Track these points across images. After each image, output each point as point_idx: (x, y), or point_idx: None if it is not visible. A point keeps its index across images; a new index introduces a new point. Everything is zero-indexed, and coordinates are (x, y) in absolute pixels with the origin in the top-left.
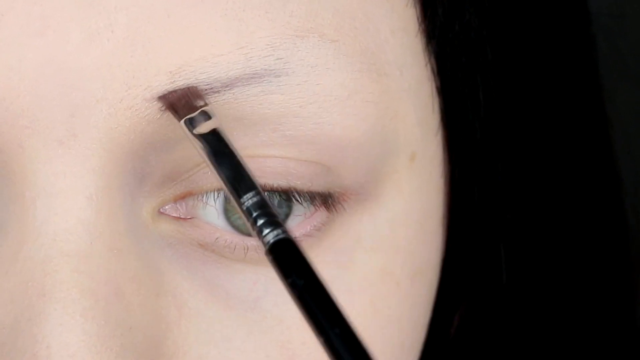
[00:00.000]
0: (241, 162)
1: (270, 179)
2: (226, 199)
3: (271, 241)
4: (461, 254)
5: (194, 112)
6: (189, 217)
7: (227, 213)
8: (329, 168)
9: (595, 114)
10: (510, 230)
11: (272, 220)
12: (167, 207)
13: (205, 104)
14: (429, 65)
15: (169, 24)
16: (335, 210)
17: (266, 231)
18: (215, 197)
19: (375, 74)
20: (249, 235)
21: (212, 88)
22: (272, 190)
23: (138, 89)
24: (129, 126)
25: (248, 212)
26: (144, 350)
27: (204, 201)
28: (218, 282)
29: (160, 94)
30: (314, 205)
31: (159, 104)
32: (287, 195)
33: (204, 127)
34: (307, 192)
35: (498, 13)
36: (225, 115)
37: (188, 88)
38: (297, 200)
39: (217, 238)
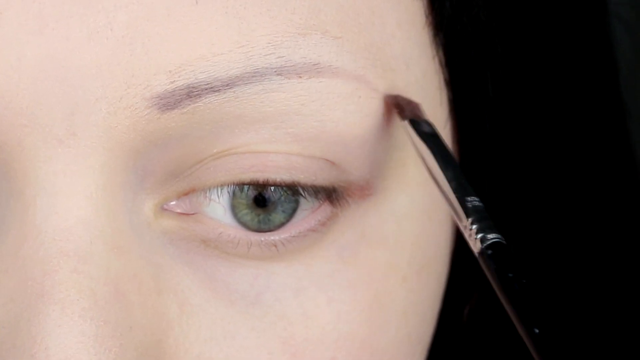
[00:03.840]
0: (460, 169)
1: (273, 174)
2: (231, 195)
3: (490, 241)
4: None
5: (418, 118)
6: (192, 212)
7: (234, 209)
8: (334, 163)
9: (611, 107)
10: (520, 222)
11: (493, 226)
12: (170, 203)
13: (428, 119)
14: (436, 58)
15: (169, 23)
16: (340, 205)
17: (485, 232)
18: (220, 193)
19: (381, 69)
20: (255, 230)
21: (212, 87)
22: (276, 185)
23: (137, 87)
24: (129, 125)
25: (472, 212)
26: (145, 349)
27: (208, 197)
28: (220, 278)
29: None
30: (318, 200)
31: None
32: (293, 190)
33: (429, 130)
34: (311, 187)
35: (507, 4)
36: (225, 113)
37: (414, 102)
38: (302, 195)
39: (220, 233)
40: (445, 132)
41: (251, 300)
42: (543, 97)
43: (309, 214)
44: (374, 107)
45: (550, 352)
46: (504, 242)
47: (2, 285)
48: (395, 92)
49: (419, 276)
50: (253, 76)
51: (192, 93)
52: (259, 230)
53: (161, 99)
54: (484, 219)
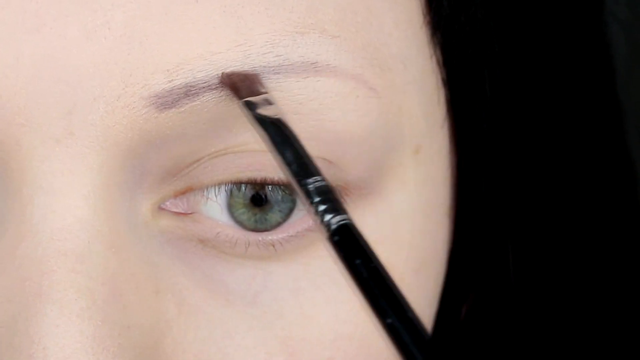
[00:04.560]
0: (304, 149)
1: (271, 172)
2: (228, 194)
3: (335, 225)
4: (469, 245)
5: (256, 96)
6: (189, 212)
7: (230, 208)
8: (331, 162)
9: (608, 106)
10: (518, 222)
11: (337, 207)
12: (167, 202)
13: (266, 91)
14: (434, 57)
15: (167, 21)
16: None
17: (329, 216)
18: (217, 192)
19: (378, 69)
20: (252, 230)
21: (210, 86)
22: (274, 184)
23: (135, 87)
24: (127, 124)
25: (310, 196)
26: (143, 349)
27: (206, 196)
28: (217, 278)
29: (159, 93)
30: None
31: (218, 83)
32: (290, 190)
33: (265, 112)
34: None
35: (504, 3)
36: (223, 112)
37: (251, 73)
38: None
39: (218, 233)
40: (443, 131)
41: (249, 300)
42: (540, 96)
43: (306, 213)
44: (371, 106)
45: (403, 342)
46: (350, 223)
47: None
48: (392, 91)
49: (416, 276)
50: None
51: (190, 92)
52: (255, 229)
53: (159, 98)
54: (328, 201)
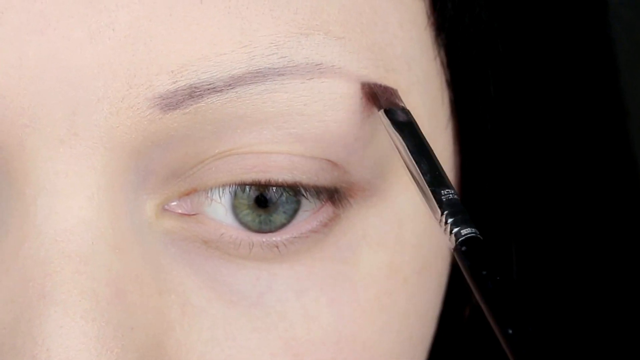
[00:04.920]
0: (438, 161)
1: (275, 174)
2: (233, 195)
3: (464, 236)
4: None
5: (395, 107)
6: (193, 213)
7: (235, 210)
8: (335, 164)
9: (612, 107)
10: (521, 223)
11: (467, 220)
12: (172, 203)
13: (404, 106)
14: (438, 59)
15: (171, 22)
16: (342, 205)
17: (459, 227)
18: (221, 193)
19: (383, 70)
20: (257, 231)
21: (214, 87)
22: (278, 185)
23: (140, 88)
24: (131, 125)
25: (446, 206)
26: (146, 350)
27: (210, 197)
28: (221, 279)
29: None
30: (320, 200)
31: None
32: (294, 191)
33: (405, 121)
34: (313, 187)
35: (509, 5)
36: (228, 113)
37: (390, 87)
38: (304, 196)
39: (222, 234)
40: (447, 132)
41: (253, 301)
42: (544, 97)
43: (310, 214)
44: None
45: (523, 354)
46: (479, 236)
47: (2, 286)
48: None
49: (419, 277)
50: (255, 76)
51: (194, 93)
52: (259, 230)
53: (163, 99)
54: (459, 213)
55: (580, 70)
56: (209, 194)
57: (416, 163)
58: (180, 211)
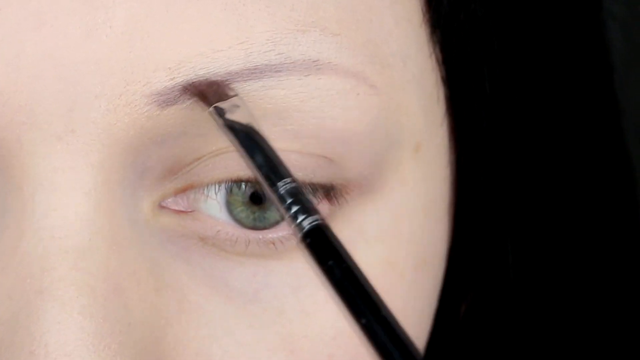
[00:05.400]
0: (274, 151)
1: None
2: (228, 192)
3: (307, 228)
4: (468, 243)
5: (224, 100)
6: (190, 210)
7: (229, 206)
8: (332, 160)
9: (606, 104)
10: (516, 220)
11: (308, 207)
12: (168, 200)
13: (235, 94)
14: (433, 56)
15: (168, 19)
16: (338, 202)
17: (301, 218)
18: (217, 190)
19: (379, 66)
20: (251, 228)
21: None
22: None
23: (137, 84)
24: (128, 122)
25: (282, 199)
26: (144, 346)
27: (206, 194)
28: (218, 275)
29: (161, 91)
30: (316, 197)
31: (187, 92)
32: None
33: (235, 117)
34: (309, 184)
35: (504, 2)
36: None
37: (217, 80)
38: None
39: (218, 231)
40: (442, 129)
41: (250, 298)
42: (539, 94)
43: None
44: (372, 104)
45: (379, 341)
46: (321, 224)
47: (0, 282)
48: (392, 89)
49: (416, 273)
50: (252, 73)
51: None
52: (254, 227)
53: (160, 96)
54: (298, 202)
55: (574, 68)
56: (205, 191)
57: (250, 158)
58: (176, 208)
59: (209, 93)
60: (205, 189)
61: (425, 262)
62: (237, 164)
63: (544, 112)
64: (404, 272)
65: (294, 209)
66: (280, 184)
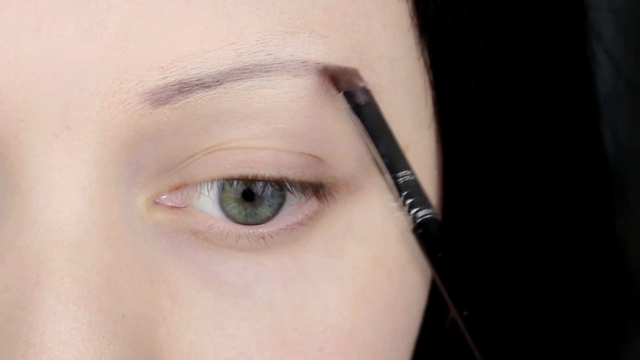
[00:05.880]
0: (397, 142)
1: (262, 170)
2: (220, 189)
3: (420, 219)
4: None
5: (355, 89)
6: (183, 206)
7: (222, 202)
8: (321, 159)
9: (586, 108)
10: (503, 223)
11: (423, 200)
12: (162, 197)
13: (366, 85)
14: (421, 59)
15: (161, 21)
16: (327, 200)
17: (415, 209)
18: (210, 187)
19: (367, 68)
20: (243, 223)
21: (202, 83)
22: (264, 180)
23: (130, 83)
24: (122, 119)
25: (402, 188)
26: (137, 337)
27: (199, 191)
28: (210, 269)
29: (154, 90)
30: (305, 195)
31: (320, 74)
32: (280, 186)
33: (364, 102)
34: (298, 182)
35: (490, 7)
36: (216, 108)
37: (350, 68)
38: (289, 190)
39: (210, 225)
40: (430, 131)
41: (241, 291)
42: (525, 96)
43: (295, 208)
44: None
45: (479, 335)
46: (434, 217)
47: None
48: (380, 91)
49: (404, 270)
50: (242, 73)
51: (183, 89)
52: (246, 223)
53: (153, 94)
54: (415, 195)
55: (558, 70)
56: (198, 188)
57: (375, 145)
58: (170, 204)
59: (341, 79)
60: (199, 186)
61: (413, 260)
62: (229, 163)
63: (530, 114)
64: (392, 269)
65: (410, 200)
66: (400, 174)
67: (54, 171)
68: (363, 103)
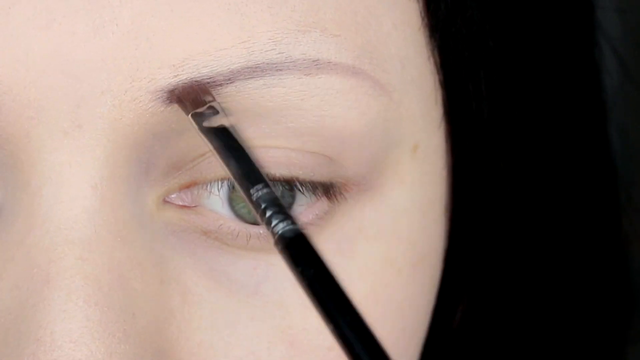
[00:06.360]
0: (249, 155)
1: (273, 169)
2: (230, 188)
3: (279, 232)
4: (464, 247)
5: (202, 106)
6: (193, 205)
7: (231, 202)
8: (331, 159)
9: (594, 108)
10: (513, 224)
11: (281, 212)
12: (172, 196)
13: (213, 99)
14: (431, 59)
15: (173, 18)
16: (337, 200)
17: (275, 222)
18: (220, 186)
19: (378, 67)
20: (253, 223)
21: (214, 81)
22: (275, 180)
23: (142, 81)
24: (133, 117)
25: (257, 204)
26: (148, 335)
27: (209, 190)
28: (220, 268)
29: (166, 88)
30: (315, 195)
31: (165, 97)
32: (290, 185)
33: (212, 122)
34: (309, 182)
35: (500, 7)
36: (227, 107)
37: (196, 83)
38: (300, 190)
39: (220, 225)
40: (439, 131)
41: (251, 290)
42: (535, 96)
43: (305, 208)
44: (371, 103)
45: (354, 343)
46: (293, 229)
47: (8, 272)
48: (391, 90)
49: (414, 271)
50: (254, 71)
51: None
52: (255, 223)
53: (165, 92)
54: (270, 208)
55: (568, 71)
56: (208, 187)
57: (225, 164)
58: (180, 203)
59: (187, 99)
60: (209, 185)
61: (423, 260)
62: None
63: (539, 114)
64: (402, 268)
65: (268, 213)
66: (254, 189)
67: (65, 169)
68: (212, 124)
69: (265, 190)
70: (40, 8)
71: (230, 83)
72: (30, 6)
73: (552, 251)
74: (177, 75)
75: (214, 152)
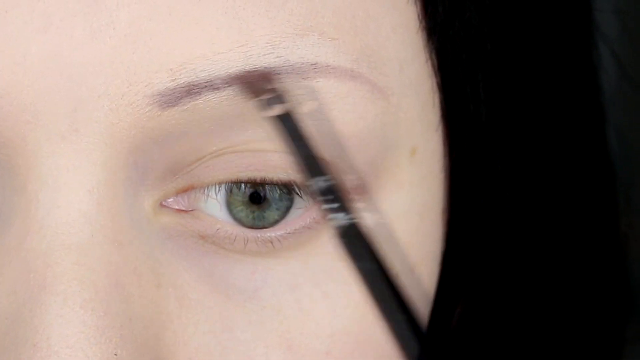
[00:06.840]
0: (314, 147)
1: (270, 173)
2: (228, 192)
3: (341, 224)
4: (461, 250)
5: (269, 94)
6: (190, 209)
7: (229, 205)
8: (328, 162)
9: (592, 110)
10: (510, 227)
11: (344, 205)
12: (169, 200)
13: (279, 89)
14: (429, 62)
15: (171, 22)
16: None
17: (336, 215)
18: (217, 190)
19: (376, 71)
20: (250, 227)
21: (212, 85)
22: (273, 184)
23: (139, 85)
24: (130, 122)
25: (319, 194)
26: (144, 340)
27: (206, 194)
28: (217, 273)
29: (163, 92)
30: (313, 199)
31: (233, 83)
32: (288, 189)
33: (278, 110)
34: (307, 185)
35: (498, 10)
36: (225, 111)
37: (265, 72)
38: (297, 194)
39: (217, 229)
40: (437, 134)
41: (248, 295)
42: (533, 99)
43: (303, 212)
44: (369, 107)
45: (411, 336)
46: (350, 221)
47: (5, 277)
48: (389, 94)
49: (412, 274)
50: (252, 75)
51: (192, 91)
52: (253, 226)
53: (162, 97)
54: (329, 201)
55: (566, 74)
56: (206, 191)
57: (290, 151)
58: (177, 207)
59: (255, 85)
60: (206, 189)
61: (420, 263)
62: (237, 166)
63: (537, 116)
64: (401, 272)
65: (325, 208)
66: (313, 180)
67: (62, 173)
68: (277, 109)
69: (328, 182)
70: (37, 11)
71: (228, 87)
72: (28, 9)
73: (550, 253)
74: (175, 79)
75: (280, 139)
